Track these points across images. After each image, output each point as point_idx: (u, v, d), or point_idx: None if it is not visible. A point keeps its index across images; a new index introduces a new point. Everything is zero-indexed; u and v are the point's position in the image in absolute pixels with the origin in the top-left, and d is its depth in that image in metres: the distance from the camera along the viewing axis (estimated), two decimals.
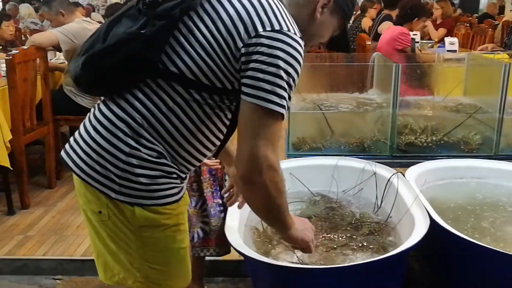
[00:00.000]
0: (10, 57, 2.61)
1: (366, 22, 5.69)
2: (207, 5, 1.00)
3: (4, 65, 2.72)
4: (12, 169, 2.68)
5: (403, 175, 1.75)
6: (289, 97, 1.00)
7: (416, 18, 3.59)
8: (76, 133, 1.11)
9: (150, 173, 1.04)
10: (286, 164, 1.88)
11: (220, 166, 1.59)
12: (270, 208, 1.09)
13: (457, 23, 6.29)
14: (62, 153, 1.12)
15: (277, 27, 0.96)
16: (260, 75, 0.96)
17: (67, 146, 1.12)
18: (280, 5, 1.01)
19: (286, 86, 0.97)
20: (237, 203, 1.42)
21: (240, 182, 1.07)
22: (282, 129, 1.01)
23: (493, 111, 2.10)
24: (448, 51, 3.60)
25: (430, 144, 2.09)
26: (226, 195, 1.46)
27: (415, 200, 1.55)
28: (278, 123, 0.99)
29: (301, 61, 0.99)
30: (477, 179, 1.94)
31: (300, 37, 1.00)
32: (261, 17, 0.97)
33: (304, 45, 1.10)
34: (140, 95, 1.03)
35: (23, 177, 2.78)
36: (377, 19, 4.75)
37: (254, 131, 0.98)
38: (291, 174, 1.80)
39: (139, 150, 1.03)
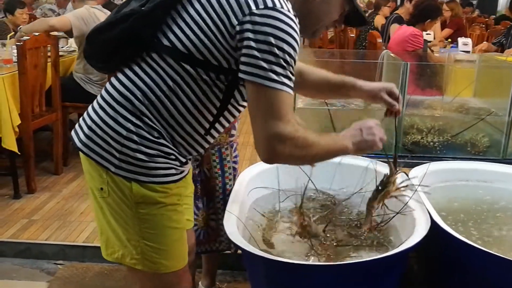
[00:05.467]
0: (21, 43, 2.64)
1: (379, 20, 5.60)
2: None
3: (15, 51, 2.75)
4: (20, 153, 2.71)
5: (407, 175, 1.72)
6: (291, 73, 1.00)
7: (429, 20, 3.47)
8: (85, 113, 1.17)
9: (148, 151, 1.07)
10: None
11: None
12: (309, 161, 1.14)
13: (473, 23, 6.20)
14: (72, 132, 1.18)
15: (270, 4, 0.96)
16: (255, 53, 0.96)
17: (76, 125, 1.18)
18: None
19: (282, 63, 0.97)
20: None
21: (268, 163, 1.09)
22: (291, 101, 1.02)
23: (502, 114, 2.06)
24: (461, 51, 3.53)
25: (436, 145, 2.06)
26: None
27: (417, 201, 1.53)
28: (282, 99, 0.99)
29: (296, 37, 0.99)
30: (483, 183, 1.90)
31: (294, 15, 1.00)
32: None
33: (317, 28, 1.15)
34: (139, 71, 1.07)
35: (30, 162, 2.81)
36: (388, 19, 4.65)
37: (261, 115, 1.00)
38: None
39: (141, 128, 1.07)
